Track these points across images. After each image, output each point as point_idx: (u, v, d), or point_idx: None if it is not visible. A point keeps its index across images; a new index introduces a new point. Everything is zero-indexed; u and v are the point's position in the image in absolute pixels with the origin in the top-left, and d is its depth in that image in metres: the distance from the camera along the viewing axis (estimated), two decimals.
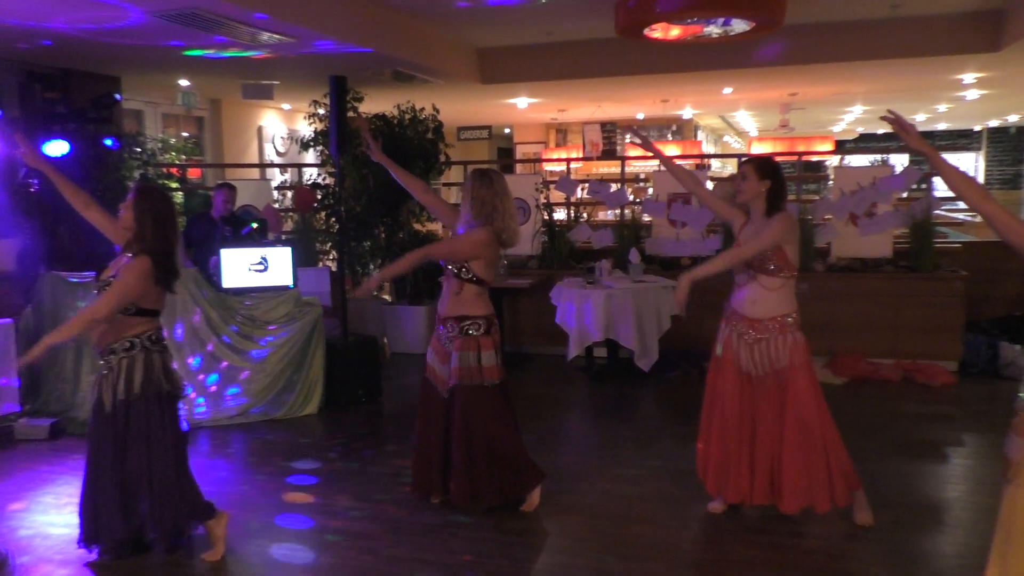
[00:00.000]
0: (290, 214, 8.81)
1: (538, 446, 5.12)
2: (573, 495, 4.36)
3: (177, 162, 8.87)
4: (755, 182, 3.74)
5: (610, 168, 14.24)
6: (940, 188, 7.68)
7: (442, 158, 8.32)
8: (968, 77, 10.50)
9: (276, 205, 8.77)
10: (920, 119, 17.84)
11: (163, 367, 3.56)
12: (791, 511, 3.77)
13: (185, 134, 10.48)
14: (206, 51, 7.07)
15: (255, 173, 10.96)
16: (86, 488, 3.59)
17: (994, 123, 19.36)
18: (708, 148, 17.89)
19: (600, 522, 4.04)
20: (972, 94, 12.26)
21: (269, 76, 8.81)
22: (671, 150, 14.73)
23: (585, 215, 8.85)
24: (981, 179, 20.60)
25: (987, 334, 6.83)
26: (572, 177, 8.57)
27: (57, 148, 6.33)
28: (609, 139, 15.37)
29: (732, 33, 7.02)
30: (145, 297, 3.49)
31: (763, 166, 3.78)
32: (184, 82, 8.97)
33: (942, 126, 20.32)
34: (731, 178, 9.94)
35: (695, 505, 4.17)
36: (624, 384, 6.65)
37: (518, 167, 14.75)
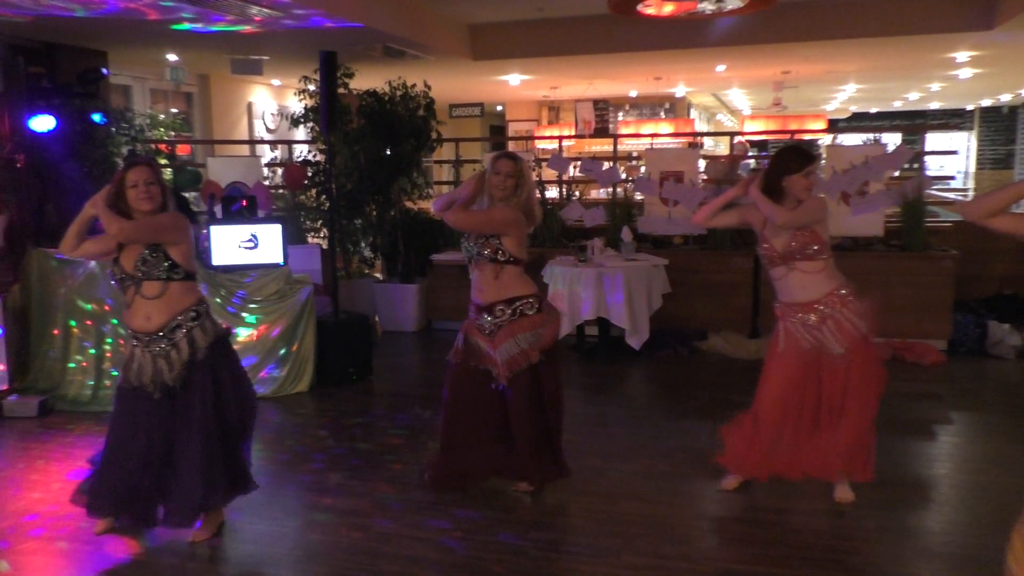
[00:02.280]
0: (280, 191, 8.75)
1: None
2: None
3: (166, 138, 8.78)
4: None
5: (602, 146, 14.18)
6: (932, 167, 7.68)
7: (434, 135, 8.26)
8: (961, 56, 10.47)
9: (266, 182, 8.70)
10: (913, 98, 17.83)
11: (218, 323, 3.67)
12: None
13: (174, 110, 10.37)
14: (194, 25, 6.98)
15: (245, 150, 10.85)
16: (190, 465, 3.49)
17: (987, 102, 19.34)
18: (701, 126, 17.84)
19: (590, 499, 4.05)
20: (965, 73, 12.24)
21: (258, 51, 8.71)
22: (664, 128, 14.74)
23: (577, 193, 8.82)
24: (973, 159, 20.64)
25: (976, 313, 6.86)
26: (564, 155, 8.53)
27: (43, 123, 6.26)
28: (601, 117, 15.28)
29: (726, 9, 6.97)
30: (182, 253, 3.48)
31: None
32: (172, 57, 8.87)
33: (935, 105, 20.30)
34: (724, 158, 9.92)
35: (685, 482, 4.19)
36: (615, 362, 6.66)
37: (510, 144, 14.68)
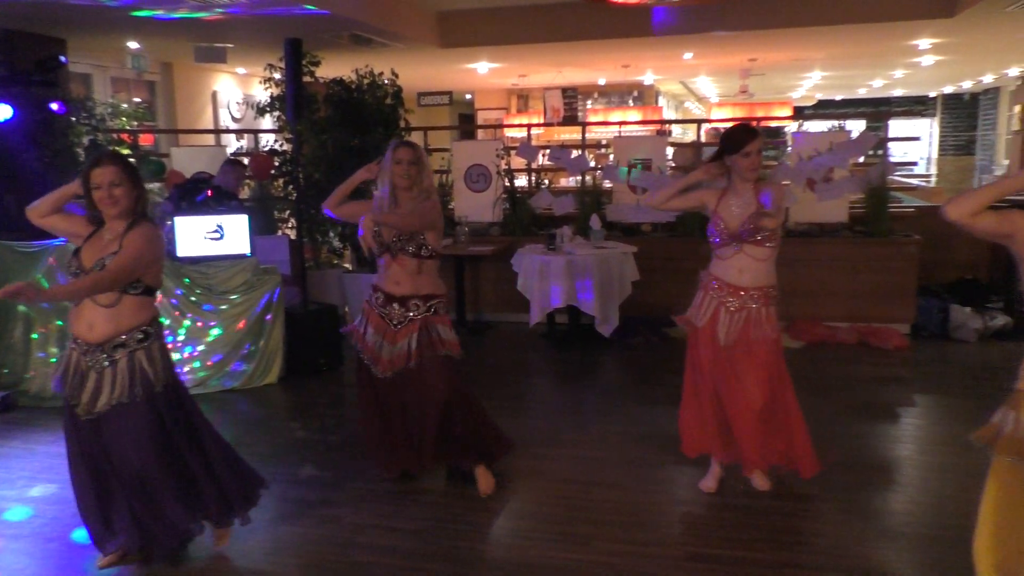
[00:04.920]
0: (247, 181, 8.64)
1: (501, 413, 5.13)
2: (536, 460, 4.39)
3: (128, 128, 8.62)
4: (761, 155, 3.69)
5: (571, 134, 14.19)
6: (895, 154, 7.79)
7: (402, 124, 8.21)
8: (923, 43, 10.61)
9: None
10: (877, 85, 18.04)
11: (167, 357, 3.27)
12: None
13: (137, 99, 10.19)
14: (155, 11, 6.85)
15: (210, 139, 10.72)
16: (112, 498, 3.21)
17: (949, 89, 19.63)
18: (669, 114, 17.91)
19: (564, 486, 4.08)
20: (927, 60, 12.41)
21: (223, 39, 8.58)
22: (632, 116, 14.77)
23: (546, 181, 8.83)
24: (935, 145, 20.97)
25: (939, 297, 6.99)
26: (533, 143, 8.52)
27: (0, 112, 6.11)
28: (570, 105, 15.28)
29: None
30: (153, 272, 3.18)
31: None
32: (134, 44, 8.70)
33: (898, 92, 20.56)
34: (691, 145, 9.98)
35: (657, 468, 4.23)
36: (586, 350, 6.69)
37: (479, 133, 14.65)
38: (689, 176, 3.87)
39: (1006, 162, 16.66)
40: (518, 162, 8.52)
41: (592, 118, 14.96)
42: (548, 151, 8.14)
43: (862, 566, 3.27)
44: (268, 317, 5.88)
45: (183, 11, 6.83)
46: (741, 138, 3.64)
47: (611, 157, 8.09)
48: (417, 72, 11.03)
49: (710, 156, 3.86)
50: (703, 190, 3.85)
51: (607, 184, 7.92)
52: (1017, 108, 15.87)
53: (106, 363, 3.09)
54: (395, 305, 3.86)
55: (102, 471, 3.19)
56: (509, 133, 13.81)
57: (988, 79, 16.70)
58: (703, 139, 10.32)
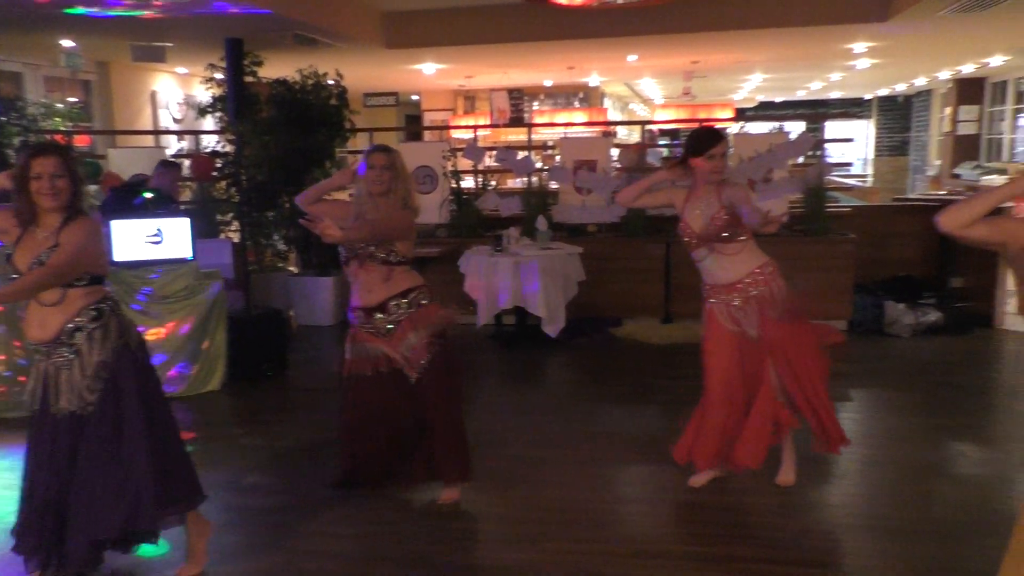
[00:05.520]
0: (188, 184, 8.47)
1: None
2: (486, 461, 4.38)
3: (63, 128, 8.38)
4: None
5: (517, 135, 14.22)
6: (832, 155, 7.98)
7: (347, 125, 8.14)
8: (859, 47, 10.92)
9: None
10: (816, 87, 18.50)
11: (131, 323, 3.18)
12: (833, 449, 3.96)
13: (72, 99, 9.90)
14: (89, 9, 6.66)
15: (149, 140, 10.47)
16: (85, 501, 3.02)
17: (883, 92, 20.22)
18: (614, 115, 18.09)
19: (512, 486, 4.09)
20: (863, 63, 12.78)
21: (161, 37, 8.39)
22: (578, 117, 14.89)
23: (493, 183, 8.84)
24: (871, 146, 21.60)
25: (874, 294, 7.20)
26: (480, 144, 8.53)
27: None
28: (516, 106, 15.32)
29: None
30: (97, 261, 3.08)
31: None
32: (68, 43, 8.45)
33: (836, 94, 21.11)
34: (636, 146, 10.09)
35: (604, 467, 4.27)
36: (533, 350, 6.72)
37: (426, 134, 14.60)
38: (654, 175, 3.94)
39: (938, 162, 17.24)
40: (465, 163, 8.51)
41: (538, 119, 15.03)
42: (495, 152, 8.15)
43: (804, 558, 3.35)
44: (210, 322, 5.77)
45: (119, 9, 6.66)
46: (706, 141, 3.69)
47: (557, 158, 8.13)
48: (362, 73, 10.95)
49: (676, 159, 3.89)
50: (672, 189, 3.87)
51: (553, 185, 7.97)
52: (948, 110, 16.42)
53: (70, 354, 3.01)
54: (376, 315, 3.67)
55: (58, 488, 3.04)
56: (456, 134, 13.79)
57: (921, 82, 17.26)
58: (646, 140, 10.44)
